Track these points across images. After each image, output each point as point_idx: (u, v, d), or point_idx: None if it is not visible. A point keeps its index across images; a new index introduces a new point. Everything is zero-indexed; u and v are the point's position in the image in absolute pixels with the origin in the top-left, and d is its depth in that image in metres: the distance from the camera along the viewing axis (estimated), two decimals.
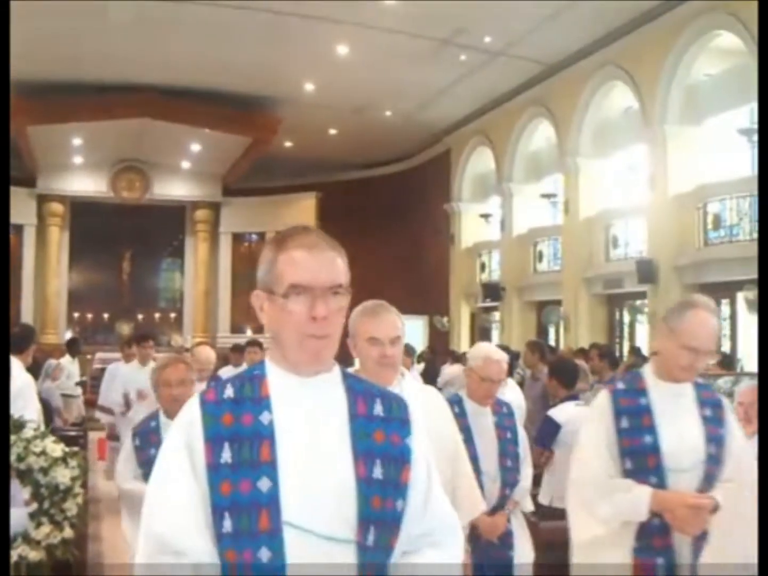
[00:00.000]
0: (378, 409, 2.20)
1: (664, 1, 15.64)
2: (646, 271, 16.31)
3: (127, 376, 9.96)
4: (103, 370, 12.30)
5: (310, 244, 2.14)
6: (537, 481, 6.65)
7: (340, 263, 2.18)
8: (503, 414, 5.00)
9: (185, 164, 28.81)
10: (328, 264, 2.14)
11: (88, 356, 22.31)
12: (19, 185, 25.12)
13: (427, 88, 21.09)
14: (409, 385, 3.88)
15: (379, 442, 2.15)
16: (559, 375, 6.87)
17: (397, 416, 2.21)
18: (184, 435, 2.13)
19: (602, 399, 3.70)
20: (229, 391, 2.16)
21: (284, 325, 2.12)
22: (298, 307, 2.10)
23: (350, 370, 2.85)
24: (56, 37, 17.73)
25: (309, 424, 2.11)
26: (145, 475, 4.33)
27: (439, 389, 15.64)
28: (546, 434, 6.51)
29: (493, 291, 22.28)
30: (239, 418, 2.10)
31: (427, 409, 3.57)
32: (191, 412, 2.15)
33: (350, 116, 23.12)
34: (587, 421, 3.80)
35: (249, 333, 28.47)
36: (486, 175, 23.77)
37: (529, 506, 5.21)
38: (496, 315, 23.20)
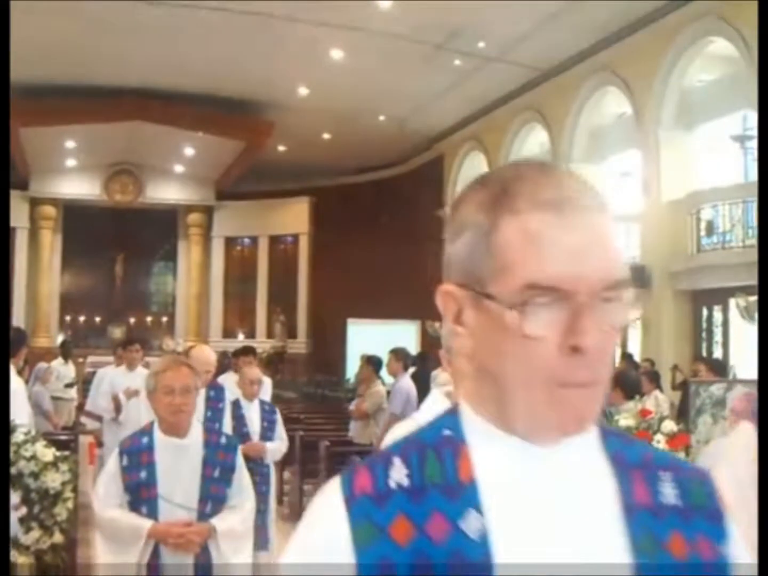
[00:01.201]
0: (669, 492, 1.19)
1: (658, 6, 15.67)
2: (639, 277, 16.29)
3: (114, 381, 9.77)
4: (94, 374, 12.16)
5: (563, 199, 1.10)
6: None
7: (613, 237, 1.13)
8: None
9: (178, 168, 28.79)
10: (599, 241, 1.10)
11: (80, 359, 22.25)
12: (12, 188, 24.92)
13: (421, 93, 21.09)
14: None
15: (679, 555, 1.14)
16: None
17: (701, 504, 1.19)
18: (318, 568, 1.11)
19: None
20: (398, 473, 1.14)
21: (514, 360, 1.10)
22: (544, 330, 1.08)
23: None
24: (49, 39, 17.69)
25: (553, 531, 1.11)
26: (132, 503, 3.95)
27: None
28: None
29: None
30: (423, 527, 1.09)
31: None
32: (329, 520, 1.12)
33: (344, 121, 23.11)
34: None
35: (241, 337, 28.46)
36: None
37: None
38: None
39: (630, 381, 7.09)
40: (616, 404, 6.79)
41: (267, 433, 7.08)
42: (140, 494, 3.94)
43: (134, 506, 3.94)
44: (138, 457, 3.96)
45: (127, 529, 3.91)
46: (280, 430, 7.28)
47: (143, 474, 3.92)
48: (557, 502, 1.13)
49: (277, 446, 7.19)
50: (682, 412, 6.57)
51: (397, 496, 1.12)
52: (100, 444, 10.73)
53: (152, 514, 3.91)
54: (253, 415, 7.11)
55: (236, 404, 7.07)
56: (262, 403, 7.36)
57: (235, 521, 4.01)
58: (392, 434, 1.97)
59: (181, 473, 3.97)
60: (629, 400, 6.72)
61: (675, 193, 15.99)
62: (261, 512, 6.58)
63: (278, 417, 7.36)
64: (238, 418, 6.98)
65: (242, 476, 4.23)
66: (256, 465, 6.68)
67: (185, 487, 3.96)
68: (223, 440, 4.28)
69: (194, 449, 4.04)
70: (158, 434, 4.03)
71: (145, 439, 4.04)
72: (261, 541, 6.48)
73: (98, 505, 4.04)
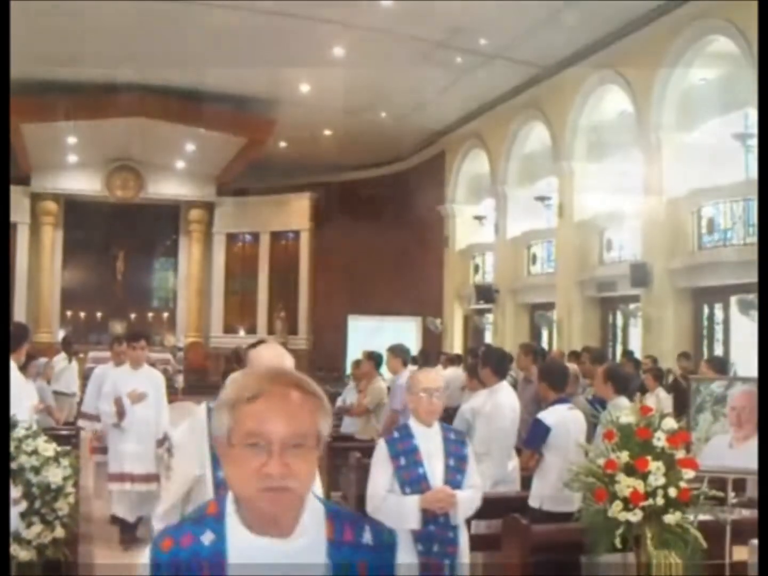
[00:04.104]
0: None
1: (659, 4, 15.66)
2: (640, 275, 16.32)
3: (117, 382, 8.84)
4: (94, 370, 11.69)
5: None
6: (527, 484, 6.67)
7: None
8: None
9: (180, 164, 28.79)
10: None
11: (81, 355, 22.27)
12: (13, 183, 24.82)
13: (422, 90, 21.09)
14: None
15: None
16: (548, 378, 6.87)
17: None
18: None
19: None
20: None
21: None
22: None
23: None
24: (51, 35, 17.71)
25: None
26: None
27: None
28: (536, 437, 6.51)
29: (486, 293, 22.27)
30: None
31: None
32: None
33: (345, 117, 23.09)
34: None
35: (242, 333, 28.49)
36: (480, 178, 23.76)
37: None
38: (490, 317, 23.21)
39: (620, 376, 7.13)
40: (607, 398, 6.84)
41: (454, 476, 4.62)
42: None
43: None
44: None
45: None
46: (473, 471, 4.74)
47: None
48: None
49: (471, 496, 4.67)
50: (678, 411, 6.67)
51: None
52: (97, 450, 10.28)
53: None
54: (431, 447, 4.65)
55: (405, 430, 4.75)
56: (446, 429, 4.79)
57: None
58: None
59: None
60: (620, 395, 6.75)
61: (676, 191, 16.00)
62: None
63: (470, 451, 4.79)
64: (408, 453, 4.64)
65: None
66: (437, 525, 4.56)
67: None
68: (367, 537, 1.92)
69: (309, 557, 1.84)
70: (236, 528, 1.84)
71: (207, 538, 1.84)
72: None
73: None
